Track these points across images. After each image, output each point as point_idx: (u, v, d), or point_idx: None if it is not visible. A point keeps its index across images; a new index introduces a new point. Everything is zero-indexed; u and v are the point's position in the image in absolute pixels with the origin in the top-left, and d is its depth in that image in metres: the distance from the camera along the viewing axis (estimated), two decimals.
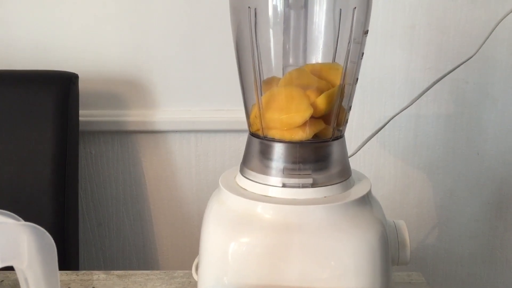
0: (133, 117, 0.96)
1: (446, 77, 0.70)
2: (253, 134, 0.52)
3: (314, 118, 0.49)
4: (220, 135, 0.97)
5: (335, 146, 0.51)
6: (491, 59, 0.92)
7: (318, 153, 0.51)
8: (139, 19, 0.93)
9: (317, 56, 0.52)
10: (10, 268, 0.35)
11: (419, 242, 1.01)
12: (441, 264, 1.02)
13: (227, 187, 0.50)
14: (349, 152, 0.55)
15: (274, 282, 0.46)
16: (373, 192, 0.53)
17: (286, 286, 0.46)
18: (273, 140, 0.50)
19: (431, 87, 0.70)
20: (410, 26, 0.91)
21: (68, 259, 0.88)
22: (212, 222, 0.49)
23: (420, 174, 0.98)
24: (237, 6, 0.52)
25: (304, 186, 0.48)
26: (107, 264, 1.03)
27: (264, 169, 0.50)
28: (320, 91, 0.49)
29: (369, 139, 0.70)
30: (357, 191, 0.50)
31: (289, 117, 0.49)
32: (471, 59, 0.69)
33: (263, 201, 0.47)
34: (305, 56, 0.52)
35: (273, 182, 0.49)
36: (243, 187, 0.51)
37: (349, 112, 0.53)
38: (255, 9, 0.49)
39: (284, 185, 0.48)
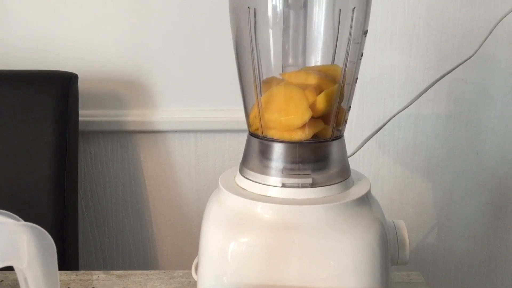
0: (133, 117, 0.96)
1: (445, 77, 0.70)
2: (252, 134, 0.52)
3: (313, 118, 0.49)
4: (220, 135, 0.97)
5: (334, 146, 0.51)
6: (491, 59, 0.92)
7: (318, 153, 0.51)
8: (139, 19, 0.93)
9: (317, 56, 0.52)
10: (10, 268, 0.35)
11: (419, 242, 1.01)
12: (441, 263, 1.02)
13: (226, 187, 0.50)
14: (349, 152, 0.56)
15: (274, 282, 0.46)
16: (373, 192, 0.53)
17: (286, 286, 0.46)
18: (273, 140, 0.50)
19: (430, 87, 0.70)
20: (409, 26, 0.91)
21: (67, 259, 0.88)
22: (211, 222, 0.49)
23: (419, 174, 0.98)
24: (236, 6, 0.52)
25: (303, 186, 0.48)
26: (107, 264, 1.03)
27: (264, 169, 0.50)
28: (319, 91, 0.49)
29: (369, 139, 0.70)
30: (357, 191, 0.50)
31: (288, 119, 0.49)
32: (471, 59, 0.69)
33: (263, 201, 0.47)
34: (304, 56, 0.52)
35: (272, 182, 0.49)
36: (243, 187, 0.51)
37: (348, 112, 0.54)
38: (255, 9, 0.49)
39: (283, 185, 0.48)
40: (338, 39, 0.50)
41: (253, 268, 0.46)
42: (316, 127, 0.50)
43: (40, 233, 0.35)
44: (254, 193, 0.49)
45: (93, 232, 1.02)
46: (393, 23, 0.92)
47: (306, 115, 0.48)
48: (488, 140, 0.95)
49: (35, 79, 0.88)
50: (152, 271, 0.70)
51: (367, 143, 0.70)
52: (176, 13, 0.92)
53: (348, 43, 0.50)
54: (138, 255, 1.03)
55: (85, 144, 0.97)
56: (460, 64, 0.69)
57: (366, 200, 0.50)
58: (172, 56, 0.94)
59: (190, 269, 0.60)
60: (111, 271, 0.70)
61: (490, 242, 1.00)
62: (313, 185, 0.48)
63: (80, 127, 0.91)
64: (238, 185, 0.51)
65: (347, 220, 0.47)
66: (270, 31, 0.50)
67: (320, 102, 0.49)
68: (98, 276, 0.68)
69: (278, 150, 0.50)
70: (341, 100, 0.51)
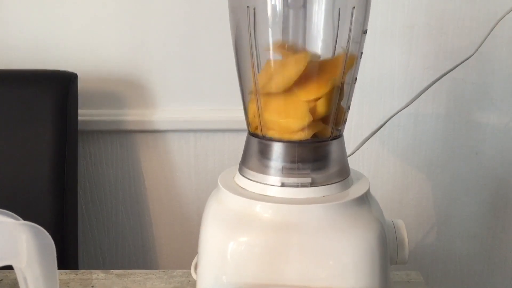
0: (132, 116, 0.96)
1: (445, 77, 0.70)
2: (252, 134, 0.52)
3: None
4: (219, 135, 0.97)
5: (334, 145, 0.51)
6: (490, 58, 0.92)
7: (317, 153, 0.51)
8: (139, 18, 0.93)
9: (316, 55, 0.52)
10: (9, 268, 0.35)
11: (418, 241, 1.01)
12: (440, 263, 1.02)
13: (226, 187, 0.51)
14: (348, 152, 0.56)
15: (273, 281, 0.46)
16: (372, 192, 0.53)
17: (285, 285, 0.46)
18: (272, 139, 0.50)
19: (430, 87, 0.70)
20: (409, 25, 0.91)
21: (67, 258, 0.88)
22: (211, 222, 0.50)
23: (418, 174, 0.98)
24: (236, 6, 0.52)
25: (303, 185, 0.48)
26: (106, 263, 1.03)
27: (263, 169, 0.50)
28: (319, 89, 0.49)
29: (368, 139, 0.70)
30: (356, 191, 0.50)
31: (288, 121, 0.49)
32: (470, 58, 0.69)
33: (262, 201, 0.48)
34: None
35: (272, 182, 0.49)
36: (242, 186, 0.51)
37: (348, 111, 0.54)
38: (254, 8, 0.49)
39: (283, 185, 0.48)
40: (338, 38, 0.50)
41: (252, 267, 0.46)
42: (316, 127, 0.50)
43: (39, 232, 0.35)
44: (253, 192, 0.49)
45: (93, 231, 1.02)
46: (393, 23, 0.92)
47: (306, 120, 0.49)
48: (487, 140, 0.96)
49: (35, 79, 0.88)
50: (152, 271, 0.70)
51: (366, 142, 0.70)
52: (175, 13, 0.92)
53: (347, 42, 0.50)
54: (137, 254, 1.03)
55: (84, 143, 0.97)
56: (459, 64, 0.69)
57: (365, 199, 0.50)
58: (171, 56, 0.94)
59: (190, 268, 0.60)
60: (111, 270, 0.70)
61: (489, 242, 1.00)
62: (312, 184, 0.49)
63: (80, 127, 0.91)
64: (237, 184, 0.51)
65: (347, 220, 0.47)
66: (270, 30, 0.50)
67: (321, 105, 0.49)
68: (97, 275, 0.69)
69: (277, 149, 0.50)
70: (340, 99, 0.51)
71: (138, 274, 0.69)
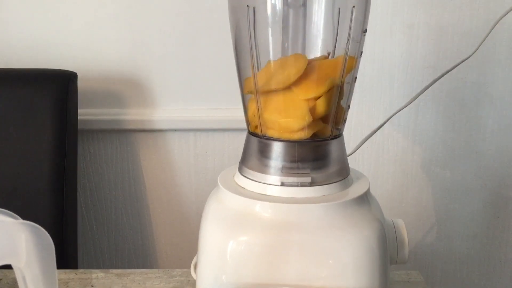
0: (132, 115, 0.96)
1: (444, 76, 0.70)
2: (251, 133, 0.52)
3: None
4: (219, 134, 0.97)
5: (333, 145, 0.51)
6: (490, 58, 0.92)
7: (317, 152, 0.51)
8: (138, 18, 0.93)
9: (316, 55, 0.52)
10: (9, 267, 0.35)
11: (418, 241, 1.01)
12: (440, 263, 1.02)
13: (225, 186, 0.50)
14: (348, 151, 0.55)
15: (273, 281, 0.46)
16: (372, 191, 0.53)
17: (285, 285, 0.46)
18: (272, 139, 0.50)
19: (430, 86, 0.70)
20: (409, 25, 0.91)
21: (66, 257, 0.88)
22: (210, 221, 0.49)
23: (418, 173, 0.98)
24: (235, 5, 0.52)
25: (302, 185, 0.48)
26: (106, 262, 1.03)
27: (263, 168, 0.50)
28: (318, 88, 0.49)
29: (368, 138, 0.70)
30: (356, 190, 0.50)
31: (287, 121, 0.49)
32: (470, 58, 0.69)
33: (262, 200, 0.47)
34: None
35: (271, 181, 0.49)
36: (242, 185, 0.51)
37: (347, 111, 0.54)
38: (254, 8, 0.49)
39: (282, 184, 0.48)
40: (338, 38, 0.49)
41: (252, 267, 0.46)
42: (316, 127, 0.50)
43: (38, 231, 0.35)
44: (253, 192, 0.49)
45: (92, 230, 1.02)
46: (393, 22, 0.92)
47: (306, 120, 0.49)
48: (487, 139, 0.95)
49: (35, 78, 0.88)
50: (151, 270, 0.70)
51: (366, 142, 0.70)
52: (175, 12, 0.92)
53: (347, 42, 0.50)
54: (137, 254, 1.03)
55: (84, 142, 0.97)
56: (459, 64, 0.69)
57: (365, 199, 0.50)
58: (171, 55, 0.94)
59: (189, 268, 0.60)
60: (110, 270, 0.70)
61: (489, 241, 1.00)
62: (312, 184, 0.48)
63: (79, 126, 0.91)
64: (237, 184, 0.51)
65: (346, 219, 0.47)
66: (270, 29, 0.50)
67: (321, 105, 0.49)
68: (97, 275, 0.68)
69: (277, 149, 0.50)
70: (340, 99, 0.51)
71: (137, 274, 0.69)
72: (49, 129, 0.85)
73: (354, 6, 0.49)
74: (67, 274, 0.69)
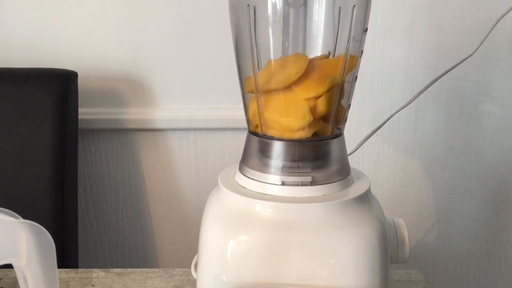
0: (132, 115, 0.96)
1: (445, 75, 0.70)
2: (252, 132, 0.52)
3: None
4: (219, 133, 0.97)
5: (334, 144, 0.51)
6: (490, 57, 0.92)
7: (317, 151, 0.50)
8: (138, 17, 0.93)
9: (316, 54, 0.52)
10: (9, 266, 0.35)
11: (418, 240, 1.01)
12: (440, 262, 1.02)
13: (226, 185, 0.50)
14: (348, 150, 0.55)
15: (273, 280, 0.46)
16: (372, 190, 0.53)
17: (285, 284, 0.46)
18: (272, 138, 0.50)
19: (430, 85, 0.70)
20: (409, 24, 0.91)
21: (67, 257, 0.88)
22: (211, 220, 0.49)
23: (419, 172, 0.98)
24: (236, 4, 0.52)
25: (303, 184, 0.48)
26: (106, 262, 1.03)
27: (263, 167, 0.50)
28: (319, 88, 0.49)
29: (368, 137, 0.70)
30: (356, 189, 0.50)
31: (288, 120, 0.49)
32: (470, 57, 0.69)
33: (262, 199, 0.47)
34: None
35: (272, 180, 0.49)
36: (242, 185, 0.51)
37: (348, 110, 0.53)
38: (254, 7, 0.49)
39: (283, 183, 0.48)
40: (338, 37, 0.49)
41: (252, 266, 0.46)
42: (316, 126, 0.50)
43: (39, 230, 0.35)
44: (253, 191, 0.49)
45: (93, 230, 1.02)
46: (393, 21, 0.92)
47: (306, 120, 0.49)
48: (488, 139, 0.95)
49: (35, 77, 0.88)
50: (152, 269, 0.70)
51: (367, 141, 0.70)
52: (175, 11, 0.92)
53: (348, 41, 0.50)
54: (137, 253, 1.03)
55: (84, 142, 0.97)
56: (460, 63, 0.69)
57: (365, 198, 0.50)
58: (171, 54, 0.94)
59: (190, 267, 0.60)
60: (111, 269, 0.70)
61: (489, 241, 1.00)
62: (312, 183, 0.48)
63: (80, 125, 0.91)
64: (237, 183, 0.51)
65: (347, 218, 0.47)
66: (270, 29, 0.50)
67: (321, 104, 0.49)
68: (97, 274, 0.68)
69: (277, 148, 0.50)
70: (341, 98, 0.51)
71: (138, 273, 0.69)
72: (50, 128, 0.85)
73: (354, 5, 0.49)
74: (67, 273, 0.69)
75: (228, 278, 0.47)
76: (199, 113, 0.96)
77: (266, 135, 0.50)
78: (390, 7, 0.91)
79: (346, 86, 0.52)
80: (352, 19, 0.49)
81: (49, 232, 0.35)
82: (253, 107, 0.52)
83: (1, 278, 0.68)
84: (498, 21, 0.70)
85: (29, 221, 0.34)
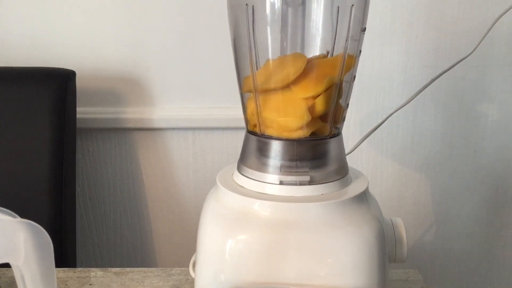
0: (131, 114, 0.96)
1: (443, 75, 0.70)
2: (250, 132, 0.52)
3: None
4: (218, 133, 0.97)
5: (332, 143, 0.51)
6: (489, 57, 0.92)
7: (316, 151, 0.51)
8: (137, 16, 0.93)
9: (315, 53, 0.52)
10: (7, 265, 0.35)
11: (416, 239, 1.01)
12: (438, 261, 1.02)
13: (224, 185, 0.50)
14: (347, 150, 0.56)
15: (271, 280, 0.46)
16: (370, 190, 0.53)
17: (283, 284, 0.46)
18: (271, 137, 0.50)
19: (428, 85, 0.70)
20: (408, 24, 0.91)
21: (65, 256, 0.88)
22: (209, 220, 0.49)
23: (417, 172, 0.98)
24: (234, 3, 0.52)
25: (301, 183, 0.48)
26: (104, 261, 1.03)
27: (262, 167, 0.50)
28: (317, 87, 0.49)
29: (367, 137, 0.70)
30: (354, 189, 0.50)
31: (286, 120, 0.49)
32: (469, 57, 0.69)
33: (260, 199, 0.47)
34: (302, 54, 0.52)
35: (270, 180, 0.49)
36: (241, 184, 0.51)
37: (346, 109, 0.53)
38: (253, 6, 0.49)
39: (281, 183, 0.48)
40: (336, 36, 0.49)
41: (250, 265, 0.46)
42: (314, 125, 0.50)
43: (36, 230, 0.35)
44: (252, 190, 0.49)
45: (91, 229, 1.01)
46: (392, 21, 0.92)
47: (304, 119, 0.49)
48: (486, 138, 0.96)
49: (33, 76, 0.88)
50: (150, 269, 0.70)
51: (365, 140, 0.70)
52: (174, 11, 0.92)
53: (346, 40, 0.50)
54: (135, 253, 1.03)
55: (83, 141, 0.97)
56: (458, 62, 0.69)
57: (364, 197, 0.50)
58: (170, 54, 0.94)
59: (188, 266, 0.60)
60: (109, 268, 0.70)
61: (488, 240, 1.00)
62: (311, 182, 0.48)
63: (78, 124, 0.91)
64: (236, 182, 0.51)
65: (345, 218, 0.47)
66: (268, 28, 0.50)
67: (319, 104, 0.49)
68: (95, 273, 0.68)
69: (276, 147, 0.50)
70: (339, 97, 0.51)
71: (136, 272, 0.69)
72: (48, 127, 0.84)
73: (353, 5, 0.49)
74: (65, 272, 0.69)
75: (226, 278, 0.47)
76: (198, 112, 0.96)
77: (264, 135, 0.50)
78: (389, 7, 0.91)
79: (344, 85, 0.52)
80: (350, 19, 0.49)
81: (47, 231, 0.35)
82: (251, 106, 0.52)
83: None
84: (496, 21, 0.70)
85: (27, 220, 0.34)
